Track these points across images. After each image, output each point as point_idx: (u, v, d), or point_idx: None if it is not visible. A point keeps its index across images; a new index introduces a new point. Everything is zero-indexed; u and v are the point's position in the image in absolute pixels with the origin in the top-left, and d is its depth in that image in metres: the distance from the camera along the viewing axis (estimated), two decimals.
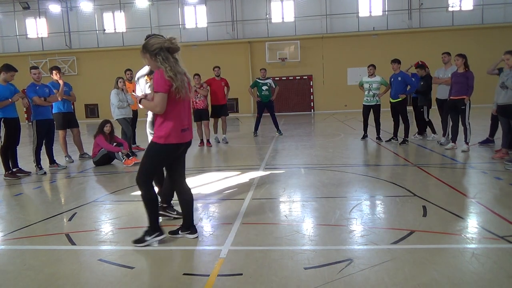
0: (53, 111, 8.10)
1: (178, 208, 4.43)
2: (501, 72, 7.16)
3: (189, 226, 3.68)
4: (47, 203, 5.39)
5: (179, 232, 3.70)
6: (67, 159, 8.45)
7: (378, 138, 9.66)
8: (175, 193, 4.18)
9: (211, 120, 10.46)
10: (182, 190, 3.69)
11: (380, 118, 9.73)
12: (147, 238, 3.52)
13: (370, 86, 9.57)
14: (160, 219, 3.93)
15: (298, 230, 3.76)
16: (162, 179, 4.23)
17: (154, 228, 3.54)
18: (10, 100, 6.61)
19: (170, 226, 3.90)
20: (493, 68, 7.81)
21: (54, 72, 8.24)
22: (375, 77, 9.58)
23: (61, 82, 8.16)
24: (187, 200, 3.70)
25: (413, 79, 9.01)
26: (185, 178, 3.72)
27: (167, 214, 4.19)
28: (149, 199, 3.50)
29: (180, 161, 3.65)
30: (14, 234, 3.97)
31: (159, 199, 3.88)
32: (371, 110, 9.72)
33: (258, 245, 3.41)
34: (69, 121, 8.58)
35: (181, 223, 3.74)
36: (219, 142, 10.60)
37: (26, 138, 11.82)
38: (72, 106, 8.90)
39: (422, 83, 9.35)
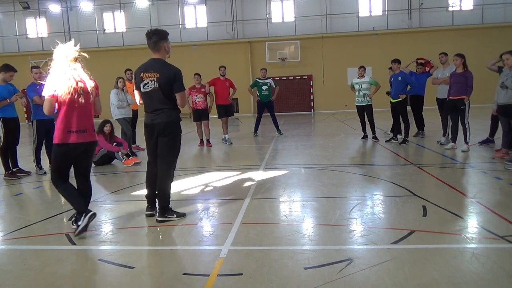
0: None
1: (178, 210, 4.45)
2: (501, 71, 7.15)
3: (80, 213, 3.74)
4: (47, 203, 5.38)
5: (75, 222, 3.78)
6: None
7: (374, 137, 9.71)
8: (171, 194, 4.23)
9: (220, 121, 10.44)
10: (80, 186, 3.95)
11: (373, 117, 9.86)
12: (79, 223, 3.67)
13: (360, 86, 9.79)
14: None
15: (298, 230, 3.75)
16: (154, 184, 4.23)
17: (79, 212, 3.72)
18: (8, 100, 6.61)
19: (168, 227, 3.89)
20: (492, 63, 7.80)
21: None
22: (364, 78, 9.80)
23: None
24: (83, 192, 3.93)
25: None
26: (86, 178, 3.99)
27: (169, 219, 4.12)
28: (62, 192, 3.83)
29: (82, 162, 3.90)
30: (14, 234, 3.97)
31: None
32: (364, 110, 9.88)
33: (258, 245, 3.41)
34: None
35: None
36: (228, 143, 10.32)
37: (26, 138, 11.81)
38: None
39: None
